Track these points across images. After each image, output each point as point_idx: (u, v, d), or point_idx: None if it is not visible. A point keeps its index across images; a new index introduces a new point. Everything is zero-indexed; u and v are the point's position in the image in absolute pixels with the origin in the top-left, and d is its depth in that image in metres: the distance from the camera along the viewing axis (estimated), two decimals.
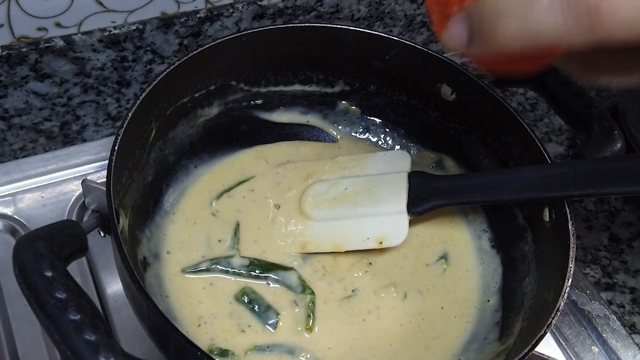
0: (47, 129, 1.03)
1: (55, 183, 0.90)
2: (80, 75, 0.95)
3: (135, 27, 0.92)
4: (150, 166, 0.77)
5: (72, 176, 0.91)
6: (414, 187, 0.78)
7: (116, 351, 0.49)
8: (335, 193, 0.81)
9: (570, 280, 0.65)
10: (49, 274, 0.51)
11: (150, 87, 0.71)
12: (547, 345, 0.85)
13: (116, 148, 0.65)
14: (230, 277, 0.75)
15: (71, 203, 0.88)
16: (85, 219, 0.87)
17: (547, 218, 0.73)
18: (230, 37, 0.78)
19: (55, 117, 1.02)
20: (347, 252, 0.78)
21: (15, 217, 0.86)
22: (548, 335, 0.86)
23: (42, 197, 0.88)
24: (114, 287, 0.82)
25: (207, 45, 0.76)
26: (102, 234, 0.64)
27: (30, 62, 0.89)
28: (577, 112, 0.78)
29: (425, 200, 0.77)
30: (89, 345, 0.49)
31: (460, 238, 0.82)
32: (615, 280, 0.97)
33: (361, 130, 0.91)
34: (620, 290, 0.96)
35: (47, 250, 0.53)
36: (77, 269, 0.83)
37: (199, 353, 0.55)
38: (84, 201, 0.84)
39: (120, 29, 0.92)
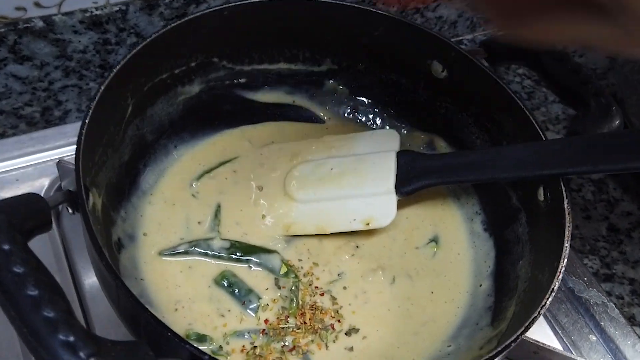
0: (28, 115, 1.00)
1: (32, 165, 0.86)
2: (61, 58, 0.92)
3: (117, 8, 0.89)
4: (127, 144, 0.73)
5: (49, 159, 0.87)
6: (403, 167, 0.75)
7: (76, 329, 0.46)
8: (320, 173, 0.77)
9: (565, 260, 0.62)
10: (6, 247, 0.48)
11: (125, 61, 0.68)
12: (544, 334, 0.81)
13: (87, 121, 0.62)
14: (209, 260, 0.72)
15: (47, 186, 0.85)
16: None
17: (541, 198, 0.70)
18: (211, 10, 0.74)
19: (36, 102, 0.99)
20: (333, 234, 0.75)
21: None
22: (544, 323, 0.83)
23: (17, 179, 0.85)
24: (91, 275, 0.78)
25: (186, 18, 0.73)
26: (70, 211, 0.61)
27: (9, 44, 0.86)
28: (573, 88, 0.75)
29: (414, 179, 0.74)
30: (47, 322, 0.45)
31: (452, 221, 0.79)
32: (614, 271, 0.94)
33: (349, 110, 0.87)
34: (619, 282, 0.93)
35: (6, 223, 0.49)
36: (53, 257, 0.80)
37: (169, 334, 0.52)
38: (61, 184, 0.81)
39: (102, 9, 0.88)
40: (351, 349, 0.67)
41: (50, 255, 0.79)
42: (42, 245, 0.79)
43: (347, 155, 0.79)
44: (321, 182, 0.77)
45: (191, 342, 0.64)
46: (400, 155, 0.76)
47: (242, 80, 0.83)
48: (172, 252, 0.71)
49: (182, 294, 0.69)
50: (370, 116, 0.87)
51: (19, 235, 0.50)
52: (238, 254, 0.72)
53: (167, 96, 0.77)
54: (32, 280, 0.47)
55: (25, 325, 0.45)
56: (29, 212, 0.53)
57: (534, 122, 0.71)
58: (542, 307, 0.58)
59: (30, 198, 0.54)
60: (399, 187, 0.74)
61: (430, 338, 0.69)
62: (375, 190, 0.75)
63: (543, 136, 0.70)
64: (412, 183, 0.74)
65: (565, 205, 0.65)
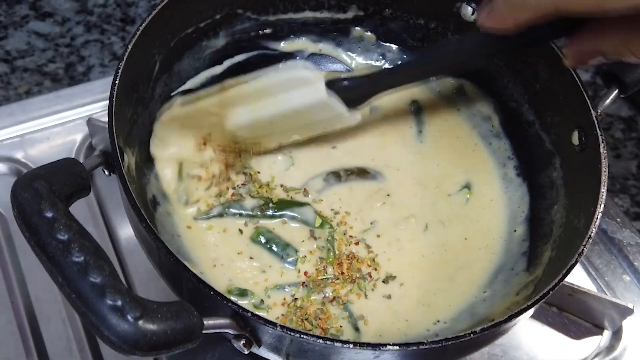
0: (52, 71, 1.00)
1: (61, 124, 0.87)
2: (82, 13, 0.92)
3: None
4: (157, 102, 0.73)
5: (77, 117, 0.88)
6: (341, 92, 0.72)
7: (123, 293, 0.46)
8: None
9: (602, 206, 0.61)
10: (49, 214, 0.48)
11: (150, 17, 0.67)
12: (577, 276, 0.82)
13: (117, 82, 0.61)
14: (244, 220, 0.72)
15: (78, 144, 0.85)
16: None
17: (576, 142, 0.69)
18: None
19: (59, 58, 0.99)
20: (363, 184, 0.76)
21: (21, 159, 0.84)
22: (577, 265, 0.83)
23: (48, 138, 0.85)
24: (127, 230, 0.79)
25: None
26: (106, 173, 0.61)
27: (30, 0, 0.86)
28: None
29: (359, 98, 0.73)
30: (95, 287, 0.46)
31: (484, 167, 0.79)
32: None
33: (377, 57, 0.86)
34: None
35: (47, 189, 0.50)
36: (88, 212, 0.81)
37: (211, 292, 0.52)
38: (91, 142, 0.82)
39: None
40: (389, 296, 0.68)
41: (87, 214, 0.80)
42: (77, 204, 0.80)
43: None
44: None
45: (233, 297, 0.66)
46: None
47: (267, 31, 0.81)
48: (207, 216, 0.72)
49: (221, 252, 0.69)
50: (399, 62, 0.85)
51: (60, 202, 0.50)
52: (272, 210, 0.72)
53: (193, 50, 0.76)
54: (76, 246, 0.47)
55: (74, 292, 0.46)
56: (67, 177, 0.53)
57: (568, 65, 0.69)
58: (579, 254, 0.58)
59: (68, 163, 0.55)
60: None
61: (465, 284, 0.70)
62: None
63: (579, 82, 0.68)
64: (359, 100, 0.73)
65: (602, 150, 0.64)
